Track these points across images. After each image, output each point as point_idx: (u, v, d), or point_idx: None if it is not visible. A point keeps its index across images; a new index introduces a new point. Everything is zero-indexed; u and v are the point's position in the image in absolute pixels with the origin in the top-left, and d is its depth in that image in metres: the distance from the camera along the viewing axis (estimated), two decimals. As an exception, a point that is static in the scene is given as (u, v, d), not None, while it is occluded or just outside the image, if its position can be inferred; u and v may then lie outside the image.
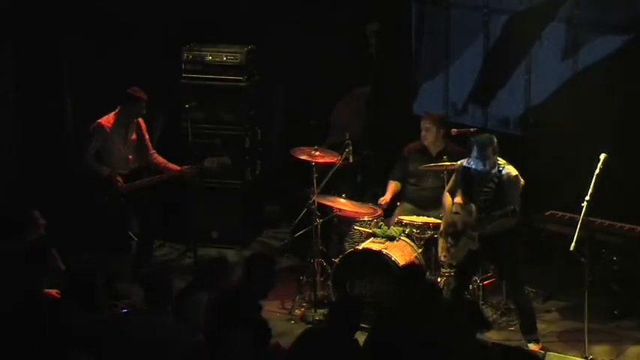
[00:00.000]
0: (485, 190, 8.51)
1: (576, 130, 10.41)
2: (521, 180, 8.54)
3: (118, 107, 9.81)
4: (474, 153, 8.47)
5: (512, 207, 8.34)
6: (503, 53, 10.88)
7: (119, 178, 9.70)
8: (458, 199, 8.75)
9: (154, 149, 10.04)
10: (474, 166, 8.48)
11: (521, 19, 10.71)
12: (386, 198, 9.84)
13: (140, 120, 9.93)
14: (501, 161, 8.56)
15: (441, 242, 8.90)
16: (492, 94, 11.01)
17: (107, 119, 9.77)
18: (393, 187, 9.93)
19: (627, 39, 10.19)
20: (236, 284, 7.71)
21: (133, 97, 9.75)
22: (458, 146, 9.60)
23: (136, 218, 10.12)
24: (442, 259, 8.96)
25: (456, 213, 8.74)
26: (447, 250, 8.77)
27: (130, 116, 9.80)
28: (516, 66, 10.80)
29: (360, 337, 7.25)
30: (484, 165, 8.43)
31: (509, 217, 8.39)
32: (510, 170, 8.52)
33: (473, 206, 8.55)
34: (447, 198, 8.89)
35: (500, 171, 8.51)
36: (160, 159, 10.00)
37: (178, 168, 9.94)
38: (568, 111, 10.53)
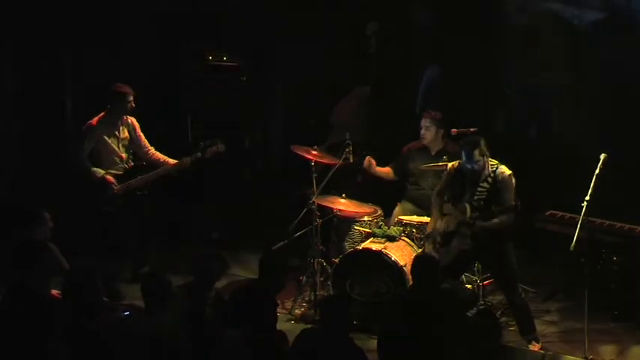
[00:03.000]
0: (480, 189, 8.53)
1: (576, 130, 10.43)
2: (514, 179, 8.55)
3: (107, 106, 9.78)
4: (463, 157, 8.52)
5: (511, 203, 8.36)
6: (503, 53, 10.89)
7: (113, 180, 9.68)
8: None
9: (151, 147, 10.02)
10: (468, 167, 8.52)
11: (522, 20, 10.72)
12: (374, 163, 9.85)
13: (132, 119, 9.89)
14: (494, 161, 8.59)
15: (426, 245, 8.91)
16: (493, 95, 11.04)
17: (97, 119, 9.75)
18: (386, 168, 9.95)
19: (626, 40, 10.22)
20: (250, 282, 7.85)
21: (119, 93, 9.71)
22: (458, 146, 9.59)
23: (134, 218, 10.09)
24: None
25: (446, 214, 8.75)
26: (436, 251, 8.77)
27: (120, 113, 9.76)
28: (517, 67, 10.81)
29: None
30: (473, 167, 8.48)
31: (509, 213, 8.40)
32: (504, 170, 8.55)
33: (467, 205, 8.57)
34: (435, 199, 8.89)
35: (494, 171, 8.54)
36: (158, 155, 9.96)
37: (174, 162, 9.91)
38: (568, 111, 10.56)
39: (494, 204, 8.46)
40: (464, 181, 8.64)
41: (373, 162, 9.93)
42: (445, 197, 8.83)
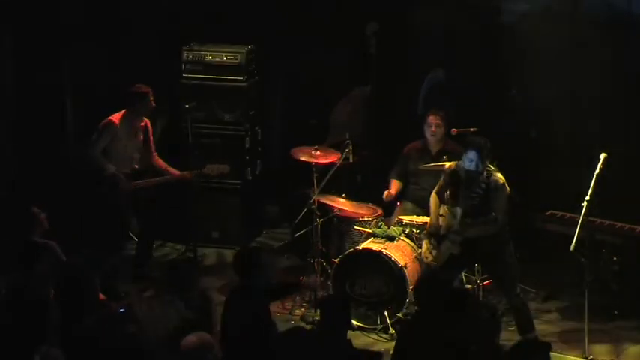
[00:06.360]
0: (473, 195, 8.53)
1: (577, 130, 10.43)
2: (508, 188, 8.55)
3: (126, 107, 9.77)
4: (470, 155, 8.50)
5: (494, 216, 8.37)
6: (504, 54, 10.89)
7: (123, 178, 9.69)
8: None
9: (156, 152, 10.03)
10: (467, 168, 8.49)
11: (523, 20, 10.72)
12: (391, 192, 9.82)
13: (147, 121, 9.92)
14: (490, 167, 8.58)
15: (425, 243, 8.92)
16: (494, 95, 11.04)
17: (118, 117, 9.75)
18: (395, 184, 9.93)
19: (626, 39, 10.21)
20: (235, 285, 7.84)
21: (140, 93, 9.73)
22: (458, 146, 9.60)
23: (135, 218, 10.10)
24: (425, 260, 8.97)
25: (442, 215, 8.75)
26: (430, 251, 8.78)
27: (140, 113, 9.79)
28: (518, 66, 10.81)
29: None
30: (477, 167, 8.45)
31: (490, 225, 8.41)
32: (498, 178, 8.54)
33: (458, 210, 8.56)
34: (433, 199, 8.89)
35: (488, 177, 8.53)
36: (161, 162, 10.00)
37: (178, 173, 9.94)
38: (568, 111, 10.56)
39: (485, 210, 8.46)
40: (459, 183, 8.63)
41: (390, 192, 9.85)
42: (442, 199, 8.83)
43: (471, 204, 8.52)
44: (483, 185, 8.50)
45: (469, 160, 8.50)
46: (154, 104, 9.81)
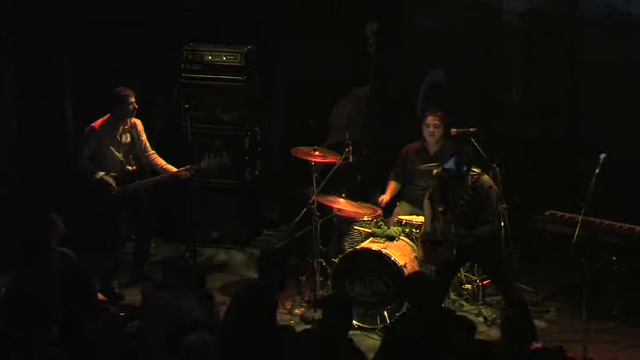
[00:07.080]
0: (462, 202, 8.53)
1: (576, 130, 10.44)
2: (496, 189, 8.55)
3: (109, 111, 9.76)
4: (453, 161, 8.53)
5: (489, 218, 8.39)
6: (503, 54, 10.90)
7: (111, 182, 9.66)
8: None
9: (153, 150, 10.01)
10: (452, 170, 8.50)
11: (522, 19, 10.73)
12: (385, 197, 9.85)
13: (137, 121, 9.88)
14: (476, 170, 8.58)
15: (420, 247, 8.91)
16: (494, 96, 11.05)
17: (100, 122, 9.74)
18: (392, 186, 9.95)
19: (626, 39, 10.23)
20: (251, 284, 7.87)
21: (120, 97, 9.68)
22: (456, 146, 9.59)
23: (133, 218, 10.09)
24: (420, 265, 8.97)
25: (435, 219, 8.75)
26: (425, 256, 8.77)
27: (122, 116, 9.74)
28: (518, 66, 10.83)
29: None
30: (461, 171, 8.47)
31: (485, 226, 8.41)
32: (485, 180, 8.55)
33: (452, 220, 8.56)
34: (427, 205, 8.90)
35: (474, 182, 8.53)
36: (159, 160, 9.95)
37: (176, 170, 9.90)
38: (568, 111, 10.56)
39: (477, 216, 8.46)
40: (447, 190, 8.64)
41: (384, 198, 9.88)
42: (435, 203, 8.84)
43: (461, 211, 8.53)
44: (470, 191, 8.51)
45: (452, 164, 8.52)
46: (135, 106, 9.75)
